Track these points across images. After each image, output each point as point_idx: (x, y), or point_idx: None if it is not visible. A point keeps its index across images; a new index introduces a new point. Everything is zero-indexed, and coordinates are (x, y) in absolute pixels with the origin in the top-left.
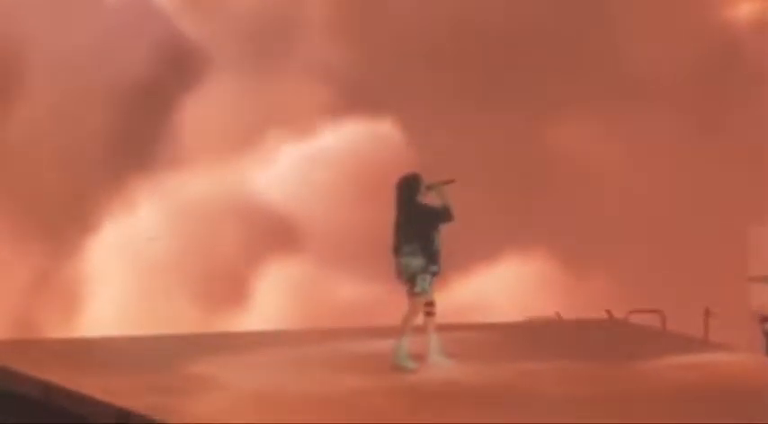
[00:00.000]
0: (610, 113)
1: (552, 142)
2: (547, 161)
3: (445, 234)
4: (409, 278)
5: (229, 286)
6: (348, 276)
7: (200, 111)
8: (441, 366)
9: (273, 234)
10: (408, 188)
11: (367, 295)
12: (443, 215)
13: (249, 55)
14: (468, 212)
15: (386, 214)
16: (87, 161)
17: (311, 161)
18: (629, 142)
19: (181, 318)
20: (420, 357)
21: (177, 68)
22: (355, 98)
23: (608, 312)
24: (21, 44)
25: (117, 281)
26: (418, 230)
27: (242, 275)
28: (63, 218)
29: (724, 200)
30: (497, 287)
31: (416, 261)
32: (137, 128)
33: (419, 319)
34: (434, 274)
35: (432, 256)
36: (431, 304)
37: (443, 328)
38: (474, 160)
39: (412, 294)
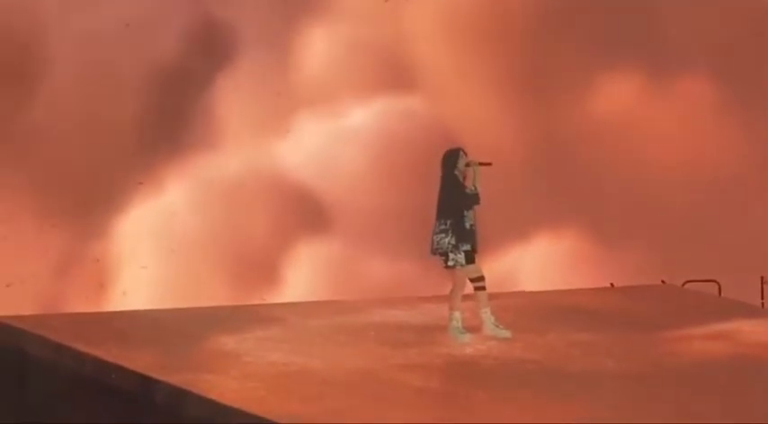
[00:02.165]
0: (645, 84)
1: (587, 115)
2: (582, 134)
3: (483, 210)
4: (441, 255)
5: (260, 264)
6: (379, 253)
7: (229, 91)
8: (498, 338)
9: (303, 212)
10: (447, 161)
11: (399, 272)
12: (470, 198)
13: (278, 34)
14: (500, 189)
15: (416, 191)
16: (116, 141)
17: (341, 139)
18: (667, 112)
19: (211, 297)
20: (476, 330)
21: (206, 48)
22: (385, 74)
23: (663, 282)
24: (48, 24)
25: (146, 262)
26: (451, 206)
27: (272, 254)
28: (92, 198)
29: None
30: (533, 263)
31: (447, 239)
32: (166, 108)
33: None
34: (467, 252)
35: (462, 235)
36: (480, 278)
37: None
38: (506, 135)
39: (447, 268)
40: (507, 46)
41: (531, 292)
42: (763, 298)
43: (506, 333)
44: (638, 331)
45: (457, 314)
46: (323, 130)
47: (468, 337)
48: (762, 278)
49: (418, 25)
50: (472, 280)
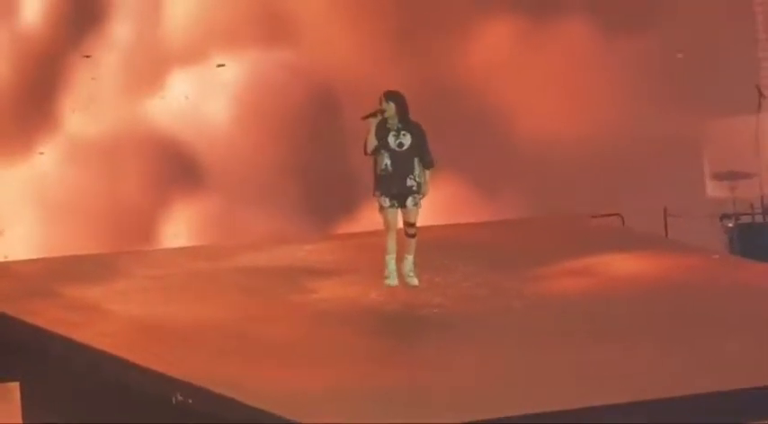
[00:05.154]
0: (525, 27)
1: (468, 61)
2: (464, 81)
3: (360, 160)
4: None
5: (136, 221)
6: (256, 207)
7: (99, 51)
8: (409, 285)
9: (179, 168)
10: None
11: (277, 224)
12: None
13: None
14: None
15: (292, 143)
16: None
17: (214, 93)
18: (550, 54)
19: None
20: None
21: (74, 9)
22: (258, 26)
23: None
24: None
25: (20, 224)
26: None
27: (148, 210)
28: None
29: (671, 99)
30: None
31: None
32: (35, 73)
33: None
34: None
35: (376, 179)
36: (409, 225)
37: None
38: (384, 85)
39: None
40: None
41: (427, 227)
42: (666, 230)
43: (414, 282)
44: (541, 265)
45: (386, 258)
46: (196, 85)
47: (390, 282)
48: (665, 209)
49: None
50: (405, 226)
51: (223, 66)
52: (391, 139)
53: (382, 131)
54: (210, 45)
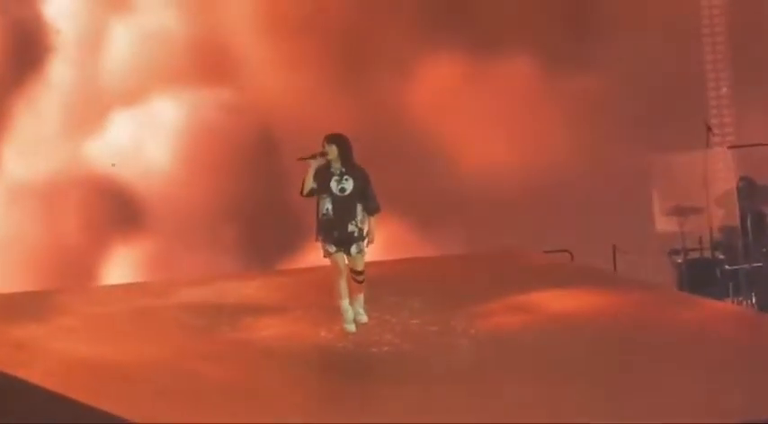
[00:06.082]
0: (467, 67)
1: (411, 100)
2: (407, 120)
3: (301, 199)
4: None
5: (76, 263)
6: (196, 248)
7: (37, 93)
8: (359, 322)
9: (118, 210)
10: None
11: (217, 265)
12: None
13: (86, 32)
14: None
15: (233, 183)
16: None
17: (153, 135)
18: (492, 93)
19: None
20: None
21: (16, 53)
22: (197, 65)
23: None
24: None
25: None
26: None
27: (89, 252)
28: None
29: (619, 135)
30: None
31: None
32: None
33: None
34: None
35: (317, 224)
36: (357, 273)
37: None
38: (328, 126)
39: None
40: (326, 34)
41: (375, 262)
42: (615, 266)
43: (364, 319)
44: (490, 302)
45: (340, 303)
46: (135, 127)
47: (352, 327)
48: (614, 246)
49: (233, 15)
50: (351, 272)
51: None
52: (333, 184)
53: (325, 175)
54: (150, 85)
